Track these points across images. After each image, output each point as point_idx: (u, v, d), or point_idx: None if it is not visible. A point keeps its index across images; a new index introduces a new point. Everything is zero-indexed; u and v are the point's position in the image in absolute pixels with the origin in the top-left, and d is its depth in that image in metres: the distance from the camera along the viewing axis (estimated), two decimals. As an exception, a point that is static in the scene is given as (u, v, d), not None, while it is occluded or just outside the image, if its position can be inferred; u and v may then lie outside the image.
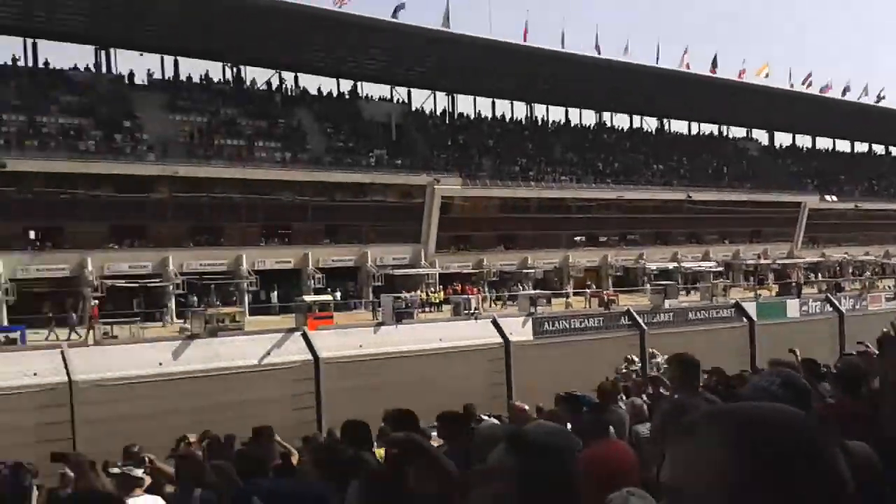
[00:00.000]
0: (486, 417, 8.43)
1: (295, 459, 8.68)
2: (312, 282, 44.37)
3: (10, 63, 45.07)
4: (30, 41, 46.05)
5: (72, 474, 7.74)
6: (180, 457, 2.48)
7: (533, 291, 45.79)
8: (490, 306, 45.88)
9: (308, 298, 39.66)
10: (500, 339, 35.12)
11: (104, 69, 48.26)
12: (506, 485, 1.81)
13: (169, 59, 51.00)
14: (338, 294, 44.77)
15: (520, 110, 66.72)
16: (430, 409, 6.40)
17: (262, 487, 2.83)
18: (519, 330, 37.79)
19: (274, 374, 28.59)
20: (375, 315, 40.20)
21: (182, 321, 38.37)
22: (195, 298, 40.53)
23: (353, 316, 42.20)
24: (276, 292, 44.51)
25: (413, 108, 60.50)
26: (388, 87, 59.99)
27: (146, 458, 6.26)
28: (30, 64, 45.95)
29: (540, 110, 67.36)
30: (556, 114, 68.10)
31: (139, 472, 5.78)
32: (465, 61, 56.03)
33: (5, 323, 35.04)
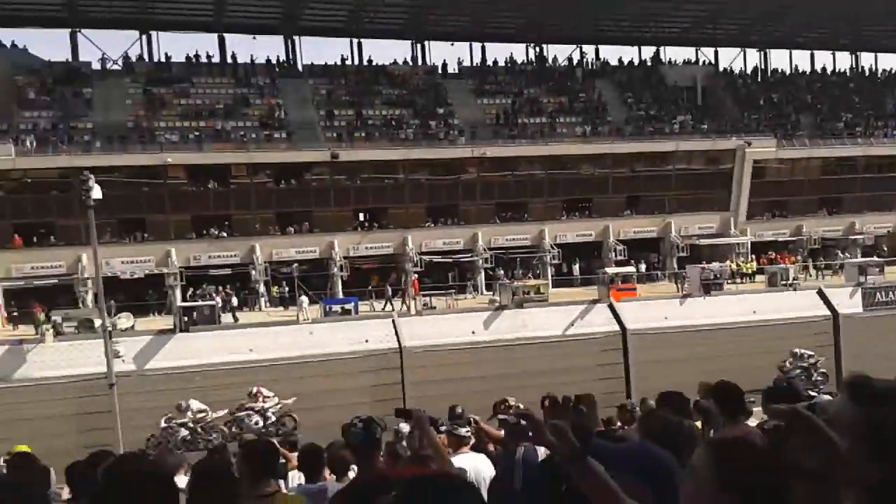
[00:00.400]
0: (814, 394, 7.86)
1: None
2: (613, 254, 44.27)
3: (339, 63, 50.37)
4: (355, 41, 51.15)
5: (405, 430, 8.60)
6: (523, 416, 2.68)
7: (862, 259, 41.29)
8: (809, 276, 42.27)
9: (610, 270, 39.61)
10: (824, 312, 32.15)
11: (420, 61, 52.20)
12: (852, 438, 1.64)
13: (477, 46, 53.75)
14: (642, 266, 44.21)
15: (843, 61, 60.26)
16: (745, 384, 6.13)
17: (597, 448, 2.95)
18: (846, 301, 34.32)
19: (578, 344, 29.03)
20: (680, 287, 39.01)
21: (491, 293, 40.46)
22: (501, 271, 42.45)
23: (656, 288, 41.34)
24: (577, 265, 45.12)
25: (720, 69, 57.30)
26: (693, 48, 57.44)
27: (471, 419, 6.81)
28: (356, 62, 51.03)
29: (868, 59, 60.17)
30: (889, 62, 60.31)
31: (465, 431, 6.32)
32: (781, 13, 51.80)
33: (340, 296, 39.50)
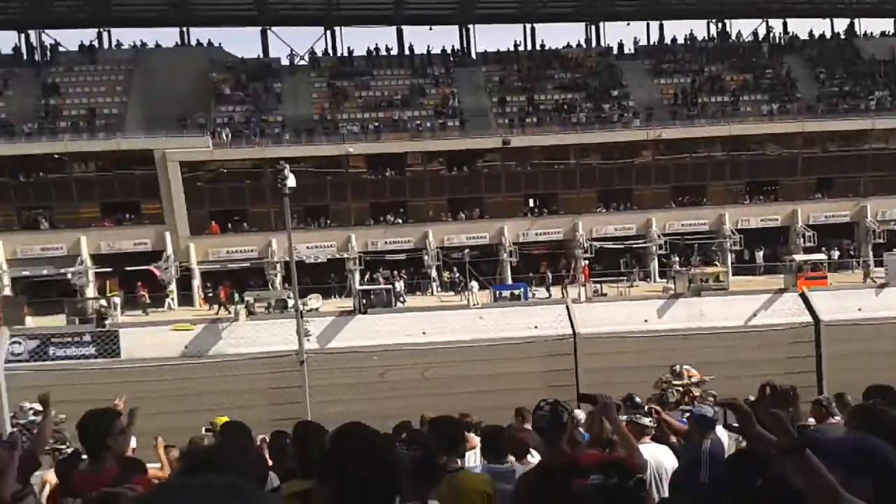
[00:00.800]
0: None
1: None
2: (802, 240, 41.61)
3: (512, 49, 50.50)
4: (529, 27, 51.11)
5: (580, 416, 8.55)
6: (728, 404, 2.58)
7: None
8: None
9: (798, 257, 37.29)
10: None
11: (593, 43, 51.42)
12: None
13: (654, 25, 52.37)
14: (834, 253, 41.31)
15: None
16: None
17: (812, 439, 2.83)
18: None
19: (763, 335, 27.54)
20: (871, 276, 36.19)
21: (665, 280, 39.27)
22: (677, 258, 41.07)
23: (848, 277, 38.50)
24: (761, 252, 42.81)
25: (923, 39, 52.22)
26: (891, 20, 52.74)
27: (652, 409, 6.66)
28: (528, 47, 50.96)
29: None
30: None
31: (646, 421, 6.21)
32: None
33: (509, 281, 39.79)
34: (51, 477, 7.56)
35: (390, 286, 37.29)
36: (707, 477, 5.31)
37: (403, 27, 50.41)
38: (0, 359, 9.15)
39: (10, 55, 47.02)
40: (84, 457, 6.35)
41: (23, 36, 47.82)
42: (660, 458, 6.03)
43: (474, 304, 35.27)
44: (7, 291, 37.51)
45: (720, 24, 52.48)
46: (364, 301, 35.07)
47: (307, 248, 39.64)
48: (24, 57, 47.55)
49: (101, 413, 4.25)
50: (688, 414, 7.01)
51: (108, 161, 40.04)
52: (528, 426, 8.87)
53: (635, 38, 52.19)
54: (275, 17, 49.38)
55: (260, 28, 49.78)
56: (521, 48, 50.61)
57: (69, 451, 8.21)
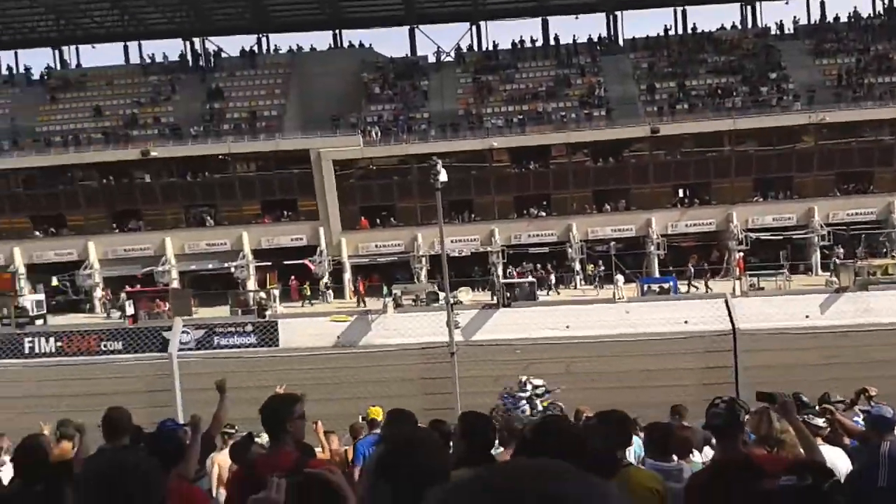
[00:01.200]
0: None
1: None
2: None
3: (662, 34, 49.05)
4: (679, 9, 49.47)
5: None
6: None
7: None
8: None
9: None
10: None
11: (749, 24, 49.15)
12: None
13: (815, 2, 49.62)
14: None
15: None
16: None
17: None
18: None
19: (940, 333, 25.40)
20: None
21: (828, 273, 37.06)
22: (841, 250, 38.56)
23: None
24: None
25: None
26: None
27: (825, 409, 6.32)
28: (679, 31, 49.39)
29: None
30: None
31: (819, 421, 5.90)
32: None
33: (656, 275, 38.69)
34: (220, 458, 8.08)
35: (533, 280, 37.25)
36: (886, 481, 5.03)
37: (549, 18, 50.09)
38: (174, 346, 9.91)
39: (177, 62, 50.48)
40: (256, 439, 6.77)
41: (188, 44, 51.30)
42: (833, 461, 5.72)
43: (619, 298, 34.62)
44: (175, 284, 40.51)
45: (887, 0, 48.69)
46: (507, 294, 35.20)
47: (451, 241, 39.88)
48: (190, 63, 50.86)
49: (283, 398, 4.48)
50: (864, 415, 6.61)
51: (267, 161, 42.29)
52: (686, 423, 8.65)
53: (794, 17, 49.59)
54: (422, 16, 50.37)
55: (408, 27, 50.90)
56: (671, 32, 49.05)
57: (240, 434, 8.71)
